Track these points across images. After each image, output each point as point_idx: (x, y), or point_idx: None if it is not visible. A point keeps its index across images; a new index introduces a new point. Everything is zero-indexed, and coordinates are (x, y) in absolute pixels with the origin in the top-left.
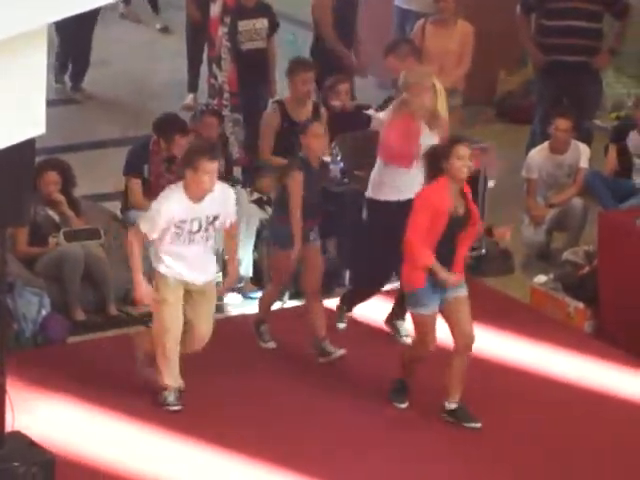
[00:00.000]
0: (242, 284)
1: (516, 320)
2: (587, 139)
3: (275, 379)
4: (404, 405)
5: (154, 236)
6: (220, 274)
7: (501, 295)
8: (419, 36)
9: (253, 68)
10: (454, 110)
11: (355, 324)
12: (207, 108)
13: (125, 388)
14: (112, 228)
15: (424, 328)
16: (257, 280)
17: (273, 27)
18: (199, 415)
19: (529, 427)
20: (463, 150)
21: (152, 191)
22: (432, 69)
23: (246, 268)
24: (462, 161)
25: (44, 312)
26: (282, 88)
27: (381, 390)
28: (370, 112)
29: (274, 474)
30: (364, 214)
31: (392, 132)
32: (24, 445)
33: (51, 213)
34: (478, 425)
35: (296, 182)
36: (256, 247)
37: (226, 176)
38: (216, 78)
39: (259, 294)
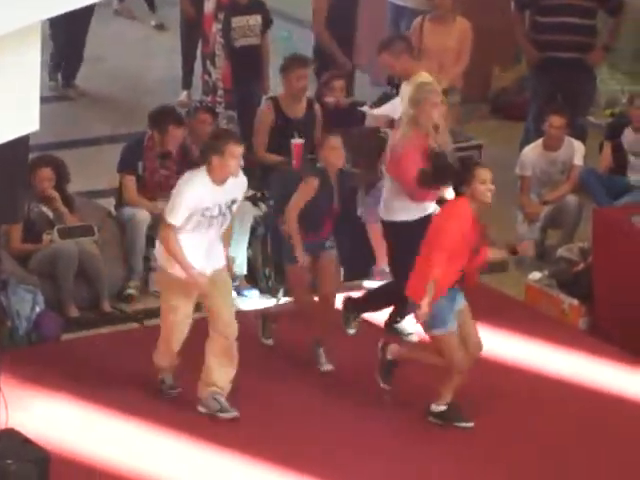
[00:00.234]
0: (237, 282)
1: (511, 317)
2: (581, 136)
3: (275, 379)
4: (471, 424)
5: (180, 223)
6: None
7: (496, 292)
8: (417, 33)
9: (246, 64)
10: (453, 108)
11: (361, 324)
12: (201, 105)
13: (119, 385)
14: (106, 225)
15: (449, 347)
16: (251, 278)
17: (267, 23)
18: (197, 413)
19: (523, 424)
20: (485, 174)
21: (147, 187)
22: (432, 66)
23: (240, 266)
24: (485, 185)
25: (38, 309)
26: (276, 85)
27: (380, 390)
28: (365, 109)
29: (274, 474)
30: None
31: (413, 167)
32: (18, 442)
33: (45, 210)
34: (470, 424)
35: (309, 186)
36: (250, 244)
37: None
38: (210, 75)
39: (253, 292)
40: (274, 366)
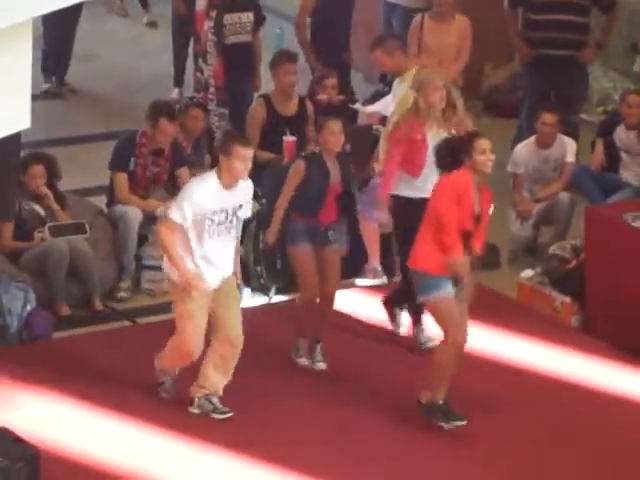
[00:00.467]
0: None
1: (503, 315)
2: (573, 133)
3: (272, 378)
4: (464, 422)
5: (187, 224)
6: None
7: (488, 290)
8: (418, 31)
9: (238, 62)
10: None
11: (354, 323)
12: (192, 101)
13: (111, 383)
14: (98, 223)
15: (446, 314)
16: (243, 275)
17: (259, 21)
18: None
19: (516, 422)
20: (485, 143)
21: (138, 184)
22: (432, 62)
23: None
24: (486, 155)
25: (29, 307)
26: (268, 82)
27: (380, 390)
28: (357, 106)
29: (271, 474)
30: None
31: (393, 161)
32: (9, 441)
33: (36, 207)
34: (463, 422)
35: (295, 169)
36: (242, 242)
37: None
38: (202, 72)
39: (245, 291)
40: (271, 366)
